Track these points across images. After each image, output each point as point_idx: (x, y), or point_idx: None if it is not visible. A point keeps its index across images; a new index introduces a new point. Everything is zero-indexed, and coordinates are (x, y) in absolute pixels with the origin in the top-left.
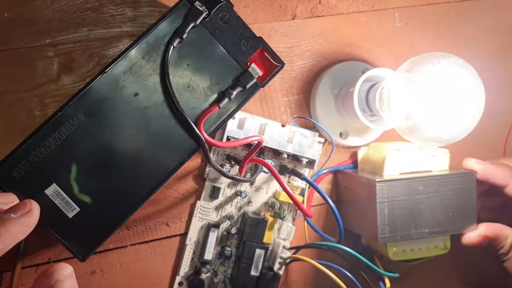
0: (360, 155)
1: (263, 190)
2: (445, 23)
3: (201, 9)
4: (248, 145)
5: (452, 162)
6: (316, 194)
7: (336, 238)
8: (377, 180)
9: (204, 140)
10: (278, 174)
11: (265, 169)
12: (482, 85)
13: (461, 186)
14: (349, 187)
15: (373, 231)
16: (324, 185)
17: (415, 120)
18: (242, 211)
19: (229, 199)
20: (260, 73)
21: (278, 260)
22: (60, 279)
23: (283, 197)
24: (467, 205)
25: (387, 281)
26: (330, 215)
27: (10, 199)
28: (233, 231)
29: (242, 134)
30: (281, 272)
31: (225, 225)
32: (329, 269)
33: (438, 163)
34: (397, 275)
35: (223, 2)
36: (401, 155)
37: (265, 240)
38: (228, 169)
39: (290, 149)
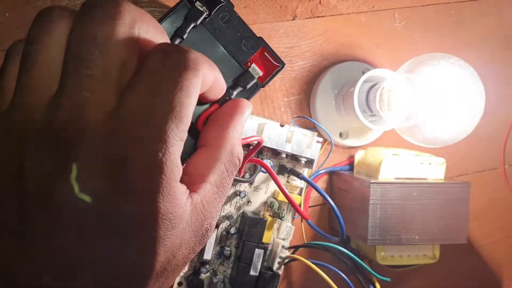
0: (357, 157)
1: (262, 190)
2: (445, 24)
3: (201, 9)
4: (247, 145)
5: (451, 162)
6: (314, 194)
7: (336, 238)
8: (371, 181)
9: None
10: (276, 176)
11: (263, 169)
12: (482, 86)
13: (455, 196)
14: (342, 188)
15: (363, 233)
16: (321, 185)
17: (416, 120)
18: (241, 211)
19: (228, 199)
20: (261, 73)
21: (277, 260)
22: None
23: (282, 197)
24: (459, 215)
25: (377, 285)
26: (327, 215)
27: None
28: (232, 231)
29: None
30: (280, 272)
31: (224, 225)
32: (324, 269)
33: (434, 172)
34: (388, 279)
35: (223, 2)
36: (398, 160)
37: (264, 240)
38: None
39: (288, 148)
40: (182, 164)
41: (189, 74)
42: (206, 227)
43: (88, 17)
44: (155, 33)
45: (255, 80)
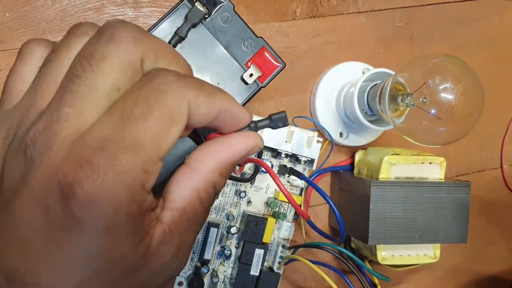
0: (357, 157)
1: (262, 190)
2: (445, 24)
3: (202, 9)
4: None
5: (451, 162)
6: (314, 193)
7: (336, 237)
8: (372, 181)
9: (203, 141)
10: (276, 175)
11: (264, 169)
12: (481, 86)
13: (455, 196)
14: (343, 188)
15: (363, 233)
16: (321, 185)
17: (416, 120)
18: (241, 211)
19: (228, 199)
20: (261, 73)
21: (278, 259)
22: None
23: (283, 196)
24: (460, 215)
25: (378, 285)
26: (328, 215)
27: None
28: (233, 230)
29: None
30: (280, 272)
31: (224, 224)
32: (324, 270)
33: (434, 171)
34: (389, 279)
35: (223, 2)
36: (398, 159)
37: (264, 239)
38: None
39: (289, 148)
40: (168, 177)
41: (166, 99)
42: (177, 263)
43: (98, 36)
44: (169, 67)
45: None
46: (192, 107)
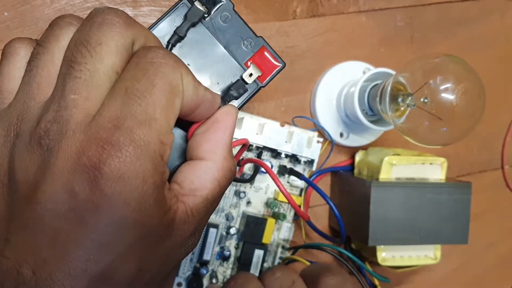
0: (358, 158)
1: (262, 190)
2: (446, 23)
3: (201, 8)
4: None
5: (452, 162)
6: (314, 194)
7: (336, 238)
8: (372, 182)
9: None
10: (276, 176)
11: (263, 169)
12: (483, 86)
13: (456, 197)
14: (343, 189)
15: (364, 234)
16: (321, 186)
17: (416, 120)
18: (241, 211)
19: (228, 199)
20: (261, 73)
21: (277, 260)
22: None
23: (283, 197)
24: (460, 216)
25: (378, 286)
26: (328, 216)
27: None
28: (232, 231)
29: (241, 134)
30: None
31: (224, 225)
32: None
33: (435, 172)
34: (389, 280)
35: (223, 1)
36: (399, 160)
37: (264, 240)
38: None
39: (289, 148)
40: (171, 173)
41: (164, 71)
42: (193, 240)
43: (88, 22)
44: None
45: (247, 88)
46: (184, 82)
